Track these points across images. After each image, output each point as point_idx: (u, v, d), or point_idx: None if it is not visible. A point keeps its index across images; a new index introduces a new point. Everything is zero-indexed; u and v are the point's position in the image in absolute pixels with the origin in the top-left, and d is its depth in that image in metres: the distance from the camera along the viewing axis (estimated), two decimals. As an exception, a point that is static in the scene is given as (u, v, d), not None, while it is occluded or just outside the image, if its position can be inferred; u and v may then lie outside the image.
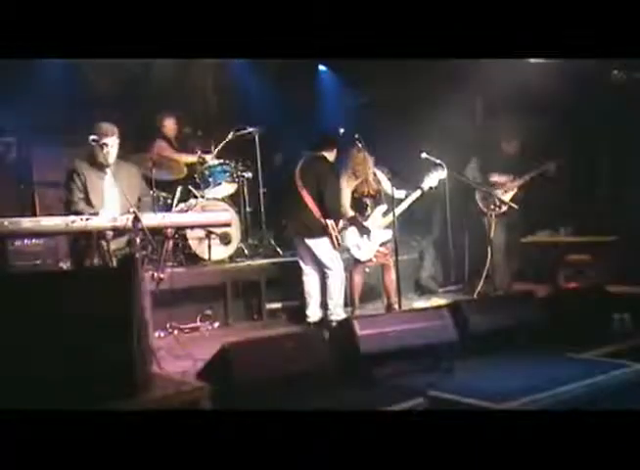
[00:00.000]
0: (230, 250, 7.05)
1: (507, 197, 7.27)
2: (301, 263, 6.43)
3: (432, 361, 4.74)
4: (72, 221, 4.74)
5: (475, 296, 6.90)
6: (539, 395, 4.03)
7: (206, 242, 6.76)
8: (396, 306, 6.24)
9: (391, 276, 6.42)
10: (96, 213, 5.07)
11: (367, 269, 6.64)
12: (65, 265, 5.82)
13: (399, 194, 6.46)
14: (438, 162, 6.40)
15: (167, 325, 6.10)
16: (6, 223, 4.54)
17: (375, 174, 6.57)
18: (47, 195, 6.09)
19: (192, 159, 7.39)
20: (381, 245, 6.41)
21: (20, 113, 6.34)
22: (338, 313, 6.25)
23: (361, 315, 6.05)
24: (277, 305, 6.95)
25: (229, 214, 6.02)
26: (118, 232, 4.99)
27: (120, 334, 4.00)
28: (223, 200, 7.35)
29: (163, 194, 7.19)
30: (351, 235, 6.42)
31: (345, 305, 6.45)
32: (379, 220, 6.46)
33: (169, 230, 5.43)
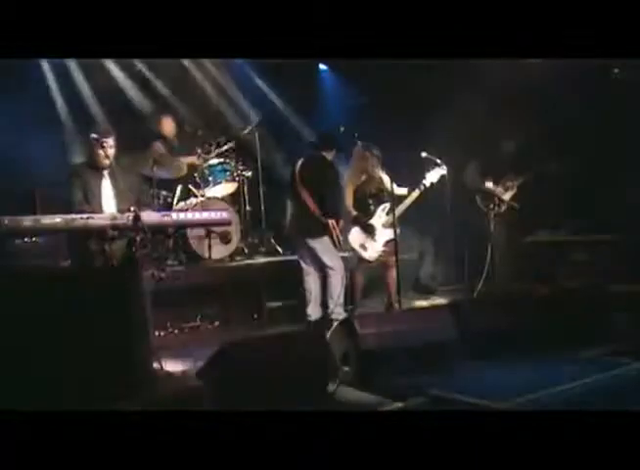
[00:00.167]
0: (230, 249, 7.05)
1: (507, 196, 7.28)
2: (302, 263, 6.42)
3: (432, 361, 4.74)
4: (73, 220, 4.74)
5: (475, 295, 6.90)
6: (539, 394, 4.03)
7: (207, 241, 6.76)
8: (397, 306, 6.24)
9: (393, 275, 6.42)
10: (96, 212, 5.07)
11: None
12: (65, 265, 5.82)
13: (401, 192, 6.49)
14: (439, 161, 6.44)
15: (167, 324, 6.11)
16: (6, 222, 4.54)
17: (377, 173, 6.57)
18: (47, 195, 6.08)
19: (188, 160, 7.39)
20: (385, 244, 6.41)
21: (20, 112, 6.33)
22: (338, 312, 6.24)
23: (361, 314, 6.05)
24: (277, 304, 6.95)
25: (229, 213, 6.02)
26: (119, 232, 4.99)
27: (120, 333, 4.01)
28: (223, 199, 7.35)
29: (164, 193, 7.19)
30: (356, 235, 6.43)
31: (345, 303, 6.45)
32: (383, 219, 6.47)
33: (169, 229, 5.45)
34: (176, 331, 6.14)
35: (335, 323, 5.77)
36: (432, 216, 7.34)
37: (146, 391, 3.99)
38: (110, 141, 5.31)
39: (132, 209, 4.83)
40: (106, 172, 5.39)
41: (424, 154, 6.46)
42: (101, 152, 5.26)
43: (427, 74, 7.58)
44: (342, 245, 6.30)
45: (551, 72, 6.63)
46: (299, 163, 6.42)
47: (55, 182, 5.79)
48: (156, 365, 4.51)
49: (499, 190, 7.29)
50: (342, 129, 6.46)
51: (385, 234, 6.40)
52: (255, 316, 6.85)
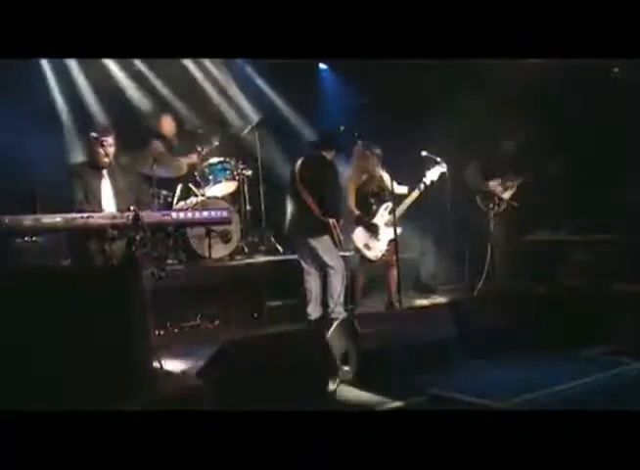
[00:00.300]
0: (230, 248, 7.04)
1: (507, 195, 7.28)
2: (302, 262, 6.42)
3: (432, 360, 4.75)
4: (73, 219, 4.75)
5: (475, 294, 6.91)
6: (539, 393, 4.04)
7: (207, 240, 6.76)
8: (397, 305, 6.25)
9: (394, 274, 6.43)
10: (96, 211, 5.07)
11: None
12: (65, 264, 5.82)
13: (401, 191, 6.50)
14: (439, 159, 6.45)
15: (167, 324, 6.11)
16: (6, 221, 4.55)
17: (378, 172, 6.58)
18: (47, 194, 6.08)
19: (186, 160, 7.40)
20: (389, 243, 6.42)
21: (20, 112, 6.33)
22: (338, 312, 6.24)
23: (362, 314, 6.06)
24: (277, 304, 6.94)
25: (229, 212, 6.02)
26: (118, 231, 5.00)
27: (120, 333, 4.01)
28: (223, 198, 7.35)
29: (164, 192, 7.19)
30: (360, 235, 6.44)
31: (346, 303, 6.45)
32: (385, 218, 6.48)
33: (169, 228, 5.45)
34: (176, 330, 6.14)
35: (335, 323, 5.79)
36: (432, 216, 7.34)
37: (146, 390, 3.98)
38: (109, 140, 5.32)
39: (132, 208, 4.83)
40: (105, 172, 5.40)
41: (424, 153, 6.48)
42: (101, 151, 5.27)
43: (427, 74, 7.58)
44: (342, 244, 6.31)
45: (551, 72, 6.63)
46: (299, 162, 6.42)
47: (55, 182, 5.80)
48: (155, 365, 4.51)
49: (499, 189, 7.29)
50: (342, 129, 6.46)
51: (388, 233, 6.40)
52: (255, 316, 6.84)
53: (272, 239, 7.77)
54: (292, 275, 6.65)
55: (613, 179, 7.00)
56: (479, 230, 7.31)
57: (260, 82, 8.84)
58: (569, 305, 5.47)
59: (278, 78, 8.59)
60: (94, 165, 5.38)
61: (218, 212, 5.62)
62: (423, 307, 6.61)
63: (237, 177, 7.51)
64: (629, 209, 6.70)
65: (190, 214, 5.47)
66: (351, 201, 6.51)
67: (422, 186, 6.50)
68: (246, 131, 7.98)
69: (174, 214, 5.38)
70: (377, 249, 6.45)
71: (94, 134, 5.27)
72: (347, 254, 6.51)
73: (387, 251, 6.43)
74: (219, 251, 6.91)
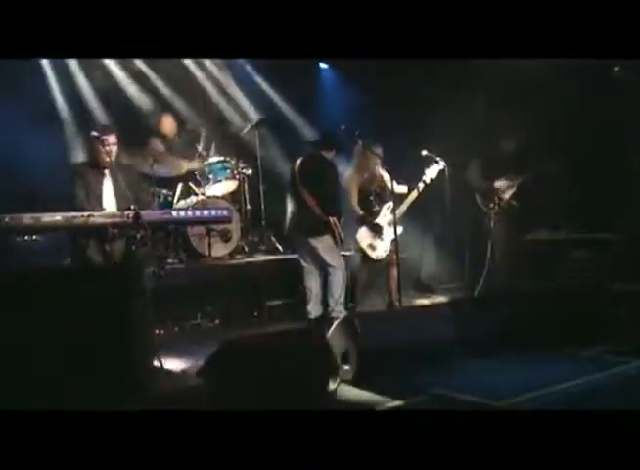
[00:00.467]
0: (230, 247, 7.04)
1: (507, 195, 7.29)
2: (302, 261, 6.42)
3: (432, 359, 4.75)
4: (73, 218, 4.75)
5: (475, 294, 6.91)
6: (539, 392, 4.04)
7: (207, 239, 6.76)
8: (397, 304, 6.25)
9: (394, 273, 6.43)
10: (97, 210, 5.08)
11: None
12: (66, 263, 5.83)
13: (401, 190, 6.51)
14: (438, 158, 6.46)
15: (168, 322, 6.11)
16: (7, 220, 4.55)
17: (379, 171, 6.58)
18: (47, 194, 6.08)
19: (186, 160, 7.40)
20: (392, 242, 6.42)
21: (20, 112, 6.33)
22: (338, 311, 6.24)
23: (362, 313, 6.06)
24: (277, 303, 6.95)
25: (229, 211, 6.02)
26: (119, 230, 5.00)
27: (121, 332, 4.01)
28: (223, 197, 7.36)
29: (164, 191, 7.20)
30: (364, 235, 6.44)
31: (346, 302, 6.46)
32: (388, 217, 6.48)
33: (170, 227, 5.45)
34: (176, 329, 6.15)
35: (335, 322, 5.79)
36: (432, 215, 7.35)
37: (146, 389, 3.99)
38: (111, 139, 5.31)
39: (132, 207, 4.84)
40: (107, 171, 5.39)
41: (424, 152, 6.49)
42: (102, 150, 5.26)
43: (427, 74, 7.58)
44: (342, 243, 6.31)
45: (551, 72, 6.63)
46: (299, 161, 6.42)
47: (55, 181, 5.80)
48: (156, 363, 4.52)
49: (499, 189, 7.29)
50: (342, 128, 6.46)
51: (391, 233, 6.40)
52: (256, 314, 6.84)
53: (272, 238, 7.77)
54: (292, 274, 6.65)
55: (612, 179, 7.00)
56: (479, 229, 7.32)
57: (261, 81, 8.84)
58: (568, 305, 5.47)
59: (278, 78, 8.59)
60: (95, 165, 5.38)
61: (218, 211, 5.63)
62: (423, 307, 6.62)
63: (237, 176, 7.51)
64: (629, 209, 6.70)
65: (190, 213, 5.48)
66: (354, 200, 6.51)
67: (421, 185, 6.51)
68: (246, 130, 7.98)
69: (174, 213, 5.38)
70: (381, 249, 6.45)
71: (95, 133, 5.26)
72: (348, 253, 6.51)
73: (390, 250, 6.44)
74: (219, 250, 6.92)
